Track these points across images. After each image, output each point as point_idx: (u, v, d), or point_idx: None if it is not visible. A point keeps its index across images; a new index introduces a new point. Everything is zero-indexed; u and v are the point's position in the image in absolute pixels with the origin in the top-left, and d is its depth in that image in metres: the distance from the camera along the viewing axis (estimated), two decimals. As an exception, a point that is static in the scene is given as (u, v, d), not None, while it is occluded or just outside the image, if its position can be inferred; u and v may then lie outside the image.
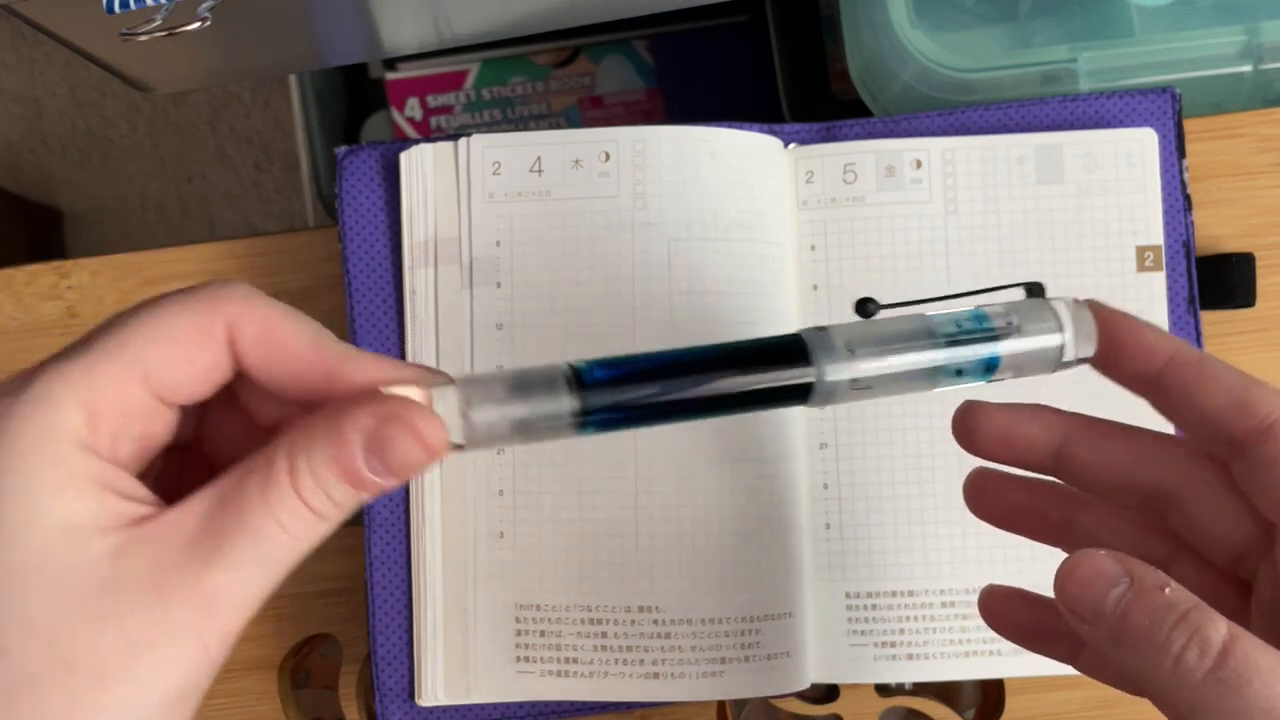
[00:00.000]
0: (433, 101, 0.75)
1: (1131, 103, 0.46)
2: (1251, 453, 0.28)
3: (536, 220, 0.45)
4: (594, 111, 0.75)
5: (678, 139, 0.45)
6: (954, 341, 0.29)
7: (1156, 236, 0.45)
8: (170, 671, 0.24)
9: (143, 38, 0.36)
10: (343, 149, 0.46)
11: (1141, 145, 0.45)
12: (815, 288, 0.46)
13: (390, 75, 0.75)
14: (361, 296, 0.46)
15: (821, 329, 0.29)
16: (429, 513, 0.44)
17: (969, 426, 0.32)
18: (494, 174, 0.45)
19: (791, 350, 0.29)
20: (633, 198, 0.45)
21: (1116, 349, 0.30)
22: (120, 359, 0.25)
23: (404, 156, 0.45)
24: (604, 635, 0.43)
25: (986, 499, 0.33)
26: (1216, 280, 0.46)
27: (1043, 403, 0.32)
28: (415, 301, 0.45)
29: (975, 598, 0.35)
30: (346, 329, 0.46)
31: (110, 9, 0.35)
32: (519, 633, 0.44)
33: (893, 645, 0.44)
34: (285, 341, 0.26)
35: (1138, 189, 0.45)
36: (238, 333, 0.26)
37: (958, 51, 0.47)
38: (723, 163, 0.45)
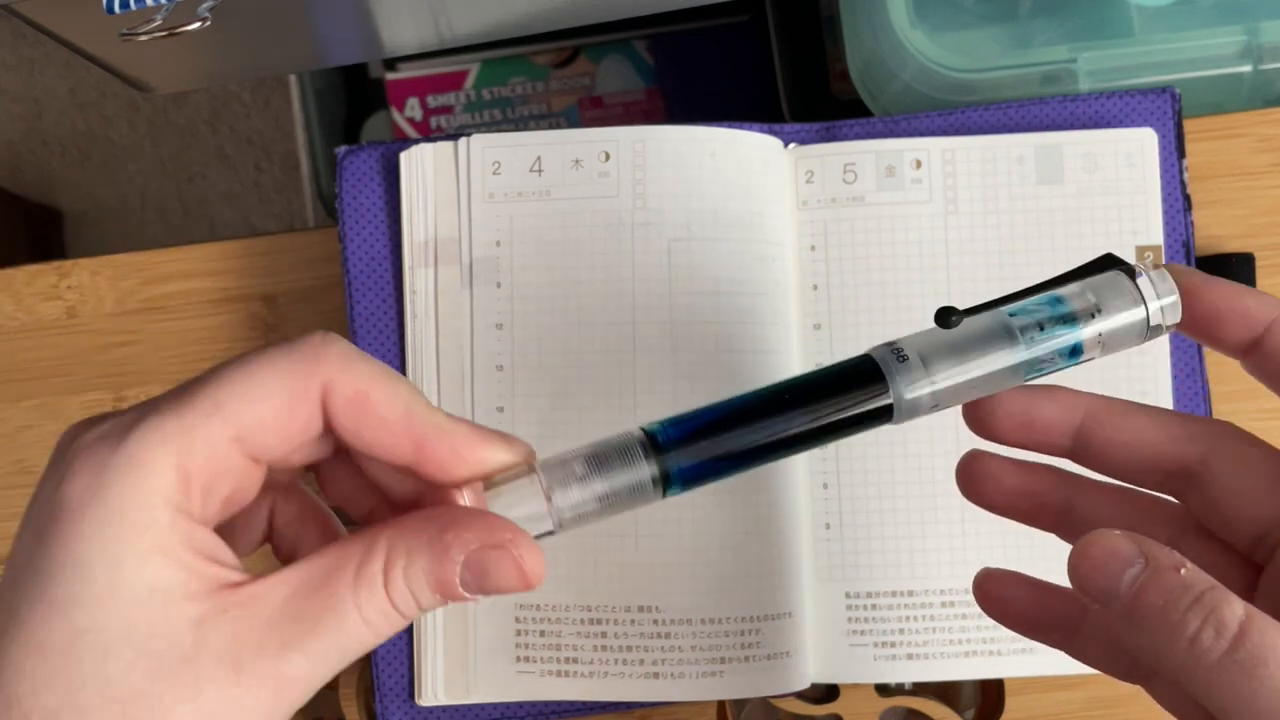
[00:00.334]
0: (433, 101, 0.75)
1: (1131, 103, 0.46)
2: None
3: (536, 220, 0.45)
4: (594, 111, 0.75)
5: (678, 139, 0.45)
6: (1033, 333, 0.28)
7: (1156, 236, 0.45)
8: None
9: (143, 38, 0.36)
10: (343, 149, 0.46)
11: (1141, 145, 0.45)
12: (815, 288, 0.46)
13: (390, 75, 0.75)
14: (361, 296, 0.46)
15: (891, 344, 0.28)
16: (429, 513, 0.44)
17: (986, 410, 0.30)
18: (494, 174, 0.45)
19: (863, 372, 0.28)
20: (633, 198, 0.45)
21: (1213, 317, 0.29)
22: (216, 419, 0.25)
23: (404, 156, 0.45)
24: (604, 635, 0.43)
25: (982, 483, 0.32)
26: (1216, 280, 0.46)
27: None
28: (415, 301, 0.45)
29: (975, 597, 0.35)
30: (347, 329, 0.46)
31: (110, 9, 0.35)
32: (519, 632, 0.44)
33: (893, 645, 0.44)
34: (376, 406, 0.26)
35: (1138, 189, 0.45)
36: (331, 394, 0.26)
37: (958, 51, 0.47)
38: (723, 163, 0.45)
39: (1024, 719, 0.46)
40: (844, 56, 0.52)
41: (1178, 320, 0.29)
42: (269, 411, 0.25)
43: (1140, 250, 0.45)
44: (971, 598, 0.33)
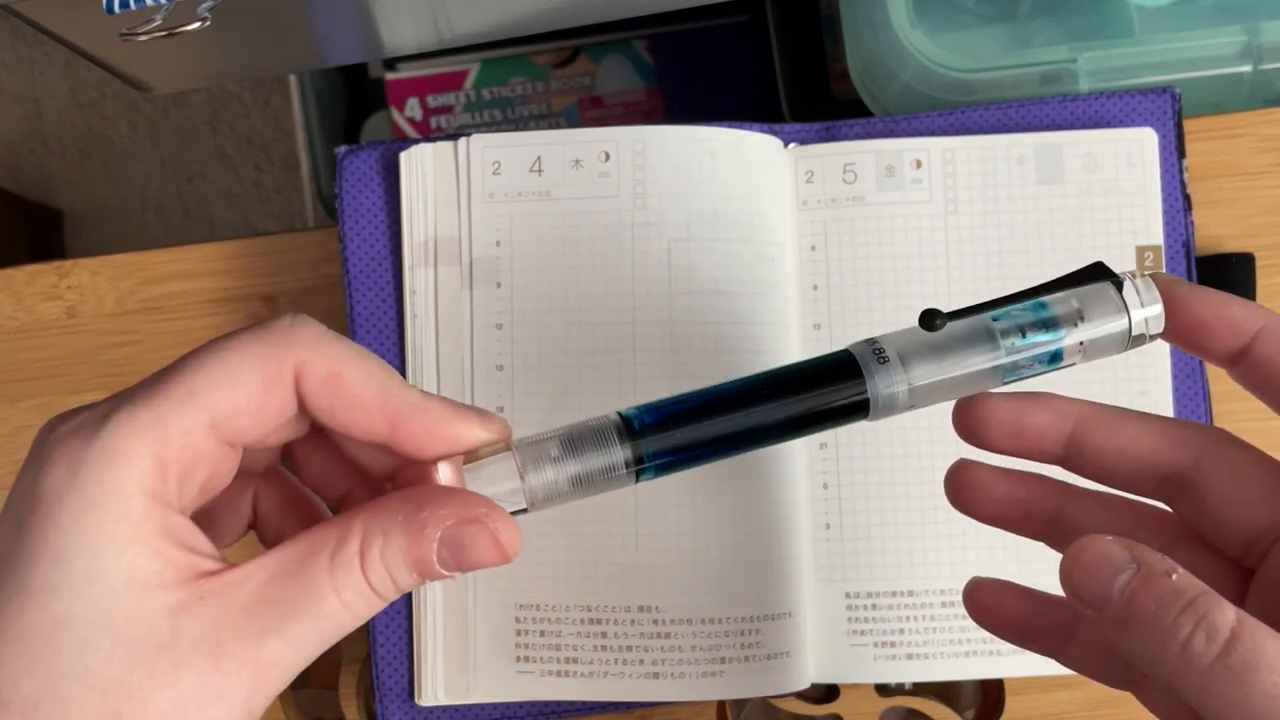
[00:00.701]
0: (433, 101, 0.75)
1: (1131, 103, 0.46)
2: None
3: (536, 220, 0.45)
4: (594, 111, 0.75)
5: (678, 139, 0.45)
6: (1014, 338, 0.28)
7: (1156, 236, 0.45)
8: None
9: (143, 38, 0.36)
10: (343, 149, 0.46)
11: (1141, 145, 0.45)
12: (815, 288, 0.46)
13: (390, 75, 0.75)
14: (361, 296, 0.46)
15: (872, 342, 0.29)
16: (429, 513, 0.44)
17: (977, 418, 0.30)
18: (494, 174, 0.45)
19: (842, 367, 0.28)
20: (633, 198, 0.45)
21: (1199, 326, 0.29)
22: (190, 406, 0.25)
23: (404, 156, 0.45)
24: (604, 635, 0.43)
25: (971, 492, 0.32)
26: (1216, 280, 0.46)
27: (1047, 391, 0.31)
28: (415, 301, 0.45)
29: (975, 597, 0.35)
30: (347, 329, 0.46)
31: (110, 9, 0.35)
32: (519, 632, 0.44)
33: (893, 645, 0.44)
34: (350, 386, 0.26)
35: (1138, 189, 0.45)
36: (304, 376, 0.26)
37: (958, 51, 0.47)
38: (723, 163, 0.45)
39: (1024, 719, 0.46)
40: (844, 56, 0.52)
41: (1161, 330, 0.29)
42: (243, 396, 0.25)
43: (1140, 250, 0.45)
44: (972, 598, 0.33)
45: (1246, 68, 0.46)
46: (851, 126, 0.47)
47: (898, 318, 0.45)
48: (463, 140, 0.45)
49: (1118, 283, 0.29)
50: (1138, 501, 0.31)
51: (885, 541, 0.44)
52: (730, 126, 0.45)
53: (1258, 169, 0.48)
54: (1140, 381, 0.45)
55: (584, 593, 0.44)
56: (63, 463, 0.24)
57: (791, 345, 0.45)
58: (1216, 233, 0.48)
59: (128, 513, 0.24)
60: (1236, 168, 0.48)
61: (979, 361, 0.29)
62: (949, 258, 0.45)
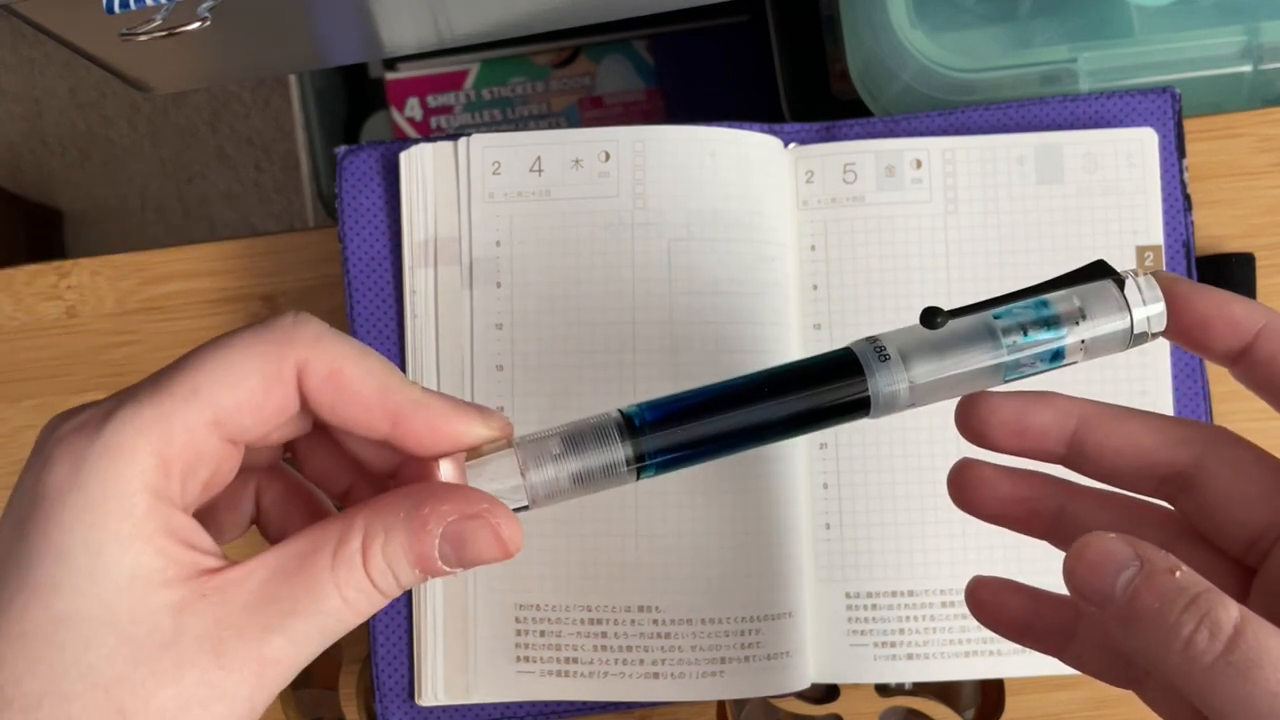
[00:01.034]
0: (433, 101, 0.75)
1: (1131, 103, 0.46)
2: None
3: (536, 220, 0.45)
4: (594, 111, 0.75)
5: (678, 139, 0.45)
6: (1016, 336, 0.28)
7: (1156, 236, 0.45)
8: None
9: (143, 38, 0.36)
10: (343, 149, 0.46)
11: (1141, 145, 0.45)
12: (815, 288, 0.46)
13: (390, 75, 0.75)
14: (361, 296, 0.46)
15: (873, 340, 0.29)
16: (429, 513, 0.44)
17: (980, 418, 0.30)
18: (494, 174, 0.45)
19: (843, 365, 0.28)
20: (633, 198, 0.45)
21: (1201, 325, 0.29)
22: (193, 404, 0.25)
23: (404, 156, 0.45)
24: (604, 635, 0.43)
25: (974, 491, 0.32)
26: (1216, 280, 0.46)
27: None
28: (415, 301, 0.45)
29: (975, 597, 0.35)
30: (347, 329, 0.46)
31: (110, 9, 0.35)
32: (519, 632, 0.44)
33: (893, 645, 0.44)
34: (351, 383, 0.26)
35: (1138, 189, 0.45)
36: (306, 373, 0.26)
37: (958, 51, 0.47)
38: (723, 163, 0.45)
39: (1024, 719, 0.46)
40: (844, 56, 0.52)
41: (1163, 329, 0.29)
42: (245, 394, 0.25)
43: (1141, 250, 0.45)
44: (972, 598, 0.33)
45: (1246, 68, 0.46)
46: (851, 126, 0.47)
47: (898, 317, 0.45)
48: (463, 140, 0.45)
49: (1119, 281, 0.29)
50: (1140, 500, 0.31)
51: (885, 541, 0.44)
52: (730, 126, 0.45)
53: (1258, 169, 0.48)
54: (1140, 381, 0.45)
55: (584, 593, 0.44)
56: (65, 460, 0.24)
57: (791, 345, 0.45)
58: (1216, 233, 0.48)
59: (131, 510, 0.24)
60: (1236, 168, 0.48)
61: (980, 359, 0.29)
62: (949, 258, 0.45)
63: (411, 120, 0.75)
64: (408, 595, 0.44)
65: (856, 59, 0.51)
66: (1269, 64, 0.46)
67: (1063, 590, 0.27)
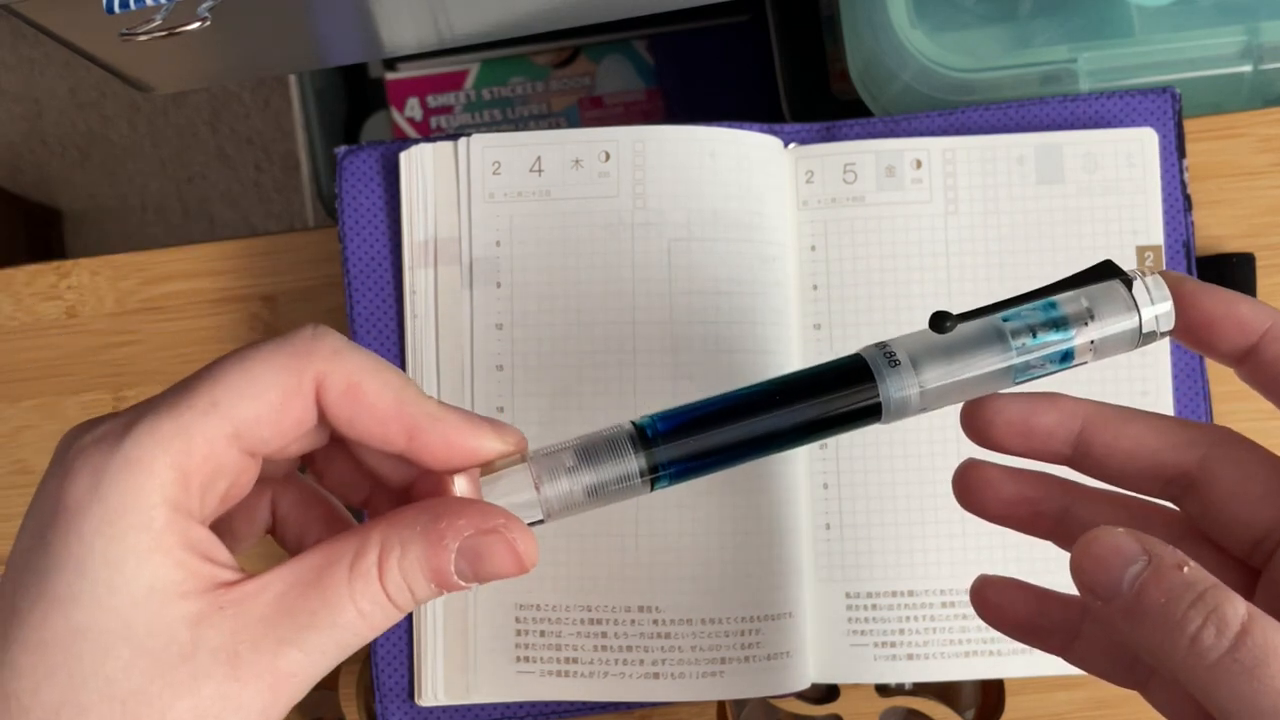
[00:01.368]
0: (433, 101, 0.75)
1: (1131, 103, 0.46)
2: None
3: (536, 220, 0.45)
4: (594, 111, 0.75)
5: (678, 139, 0.45)
6: (1025, 339, 0.28)
7: (1156, 236, 0.45)
8: None
9: (143, 38, 0.36)
10: (343, 149, 0.46)
11: (1141, 145, 0.45)
12: (815, 288, 0.46)
13: (390, 75, 0.75)
14: (361, 296, 0.46)
15: (882, 345, 0.29)
16: (429, 513, 0.44)
17: (985, 419, 0.30)
18: (494, 174, 0.45)
19: (853, 371, 0.28)
20: (633, 198, 0.45)
21: (1207, 324, 0.29)
22: (213, 417, 0.25)
23: (404, 156, 0.45)
24: (604, 635, 0.43)
25: (979, 492, 0.32)
26: (1216, 280, 0.46)
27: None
28: (415, 301, 0.45)
29: (975, 597, 0.35)
30: (347, 329, 0.46)
31: (110, 9, 0.35)
32: (519, 633, 0.44)
33: (893, 645, 0.44)
34: (369, 397, 0.26)
35: (1138, 189, 0.45)
36: (324, 386, 0.26)
37: (958, 51, 0.47)
38: (723, 163, 0.45)
39: (1024, 719, 0.46)
40: (844, 56, 0.52)
41: (1171, 328, 0.29)
42: (265, 407, 0.26)
43: (1141, 250, 0.45)
44: (972, 598, 0.33)
45: (1246, 68, 0.46)
46: (851, 126, 0.47)
47: (898, 317, 0.45)
48: (463, 140, 0.45)
49: (1127, 280, 0.29)
50: (1145, 500, 0.31)
51: (885, 541, 0.44)
52: (730, 126, 0.45)
53: (1258, 169, 0.48)
54: (1141, 381, 0.45)
55: (584, 593, 0.44)
56: (86, 472, 0.24)
57: (792, 345, 0.45)
58: (1216, 233, 0.48)
59: (150, 523, 0.24)
60: (1236, 168, 0.48)
61: (990, 362, 0.29)
62: (949, 258, 0.45)
63: (411, 120, 0.75)
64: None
65: (856, 59, 0.51)
66: (1269, 64, 0.46)
67: (1065, 589, 0.27)
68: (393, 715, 0.45)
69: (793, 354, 0.45)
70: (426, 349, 0.45)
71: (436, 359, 0.45)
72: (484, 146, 0.45)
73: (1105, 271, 0.29)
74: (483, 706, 0.44)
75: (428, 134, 0.75)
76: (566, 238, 0.45)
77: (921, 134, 0.46)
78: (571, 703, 0.44)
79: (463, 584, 0.26)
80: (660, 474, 0.28)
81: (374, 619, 0.25)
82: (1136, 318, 0.29)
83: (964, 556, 0.44)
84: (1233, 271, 0.47)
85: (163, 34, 0.36)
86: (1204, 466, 0.29)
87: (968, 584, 0.44)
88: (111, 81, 1.14)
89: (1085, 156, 0.45)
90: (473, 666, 0.44)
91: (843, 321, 0.45)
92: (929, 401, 0.29)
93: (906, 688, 0.46)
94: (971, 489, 0.32)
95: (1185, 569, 0.25)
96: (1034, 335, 0.29)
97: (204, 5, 0.36)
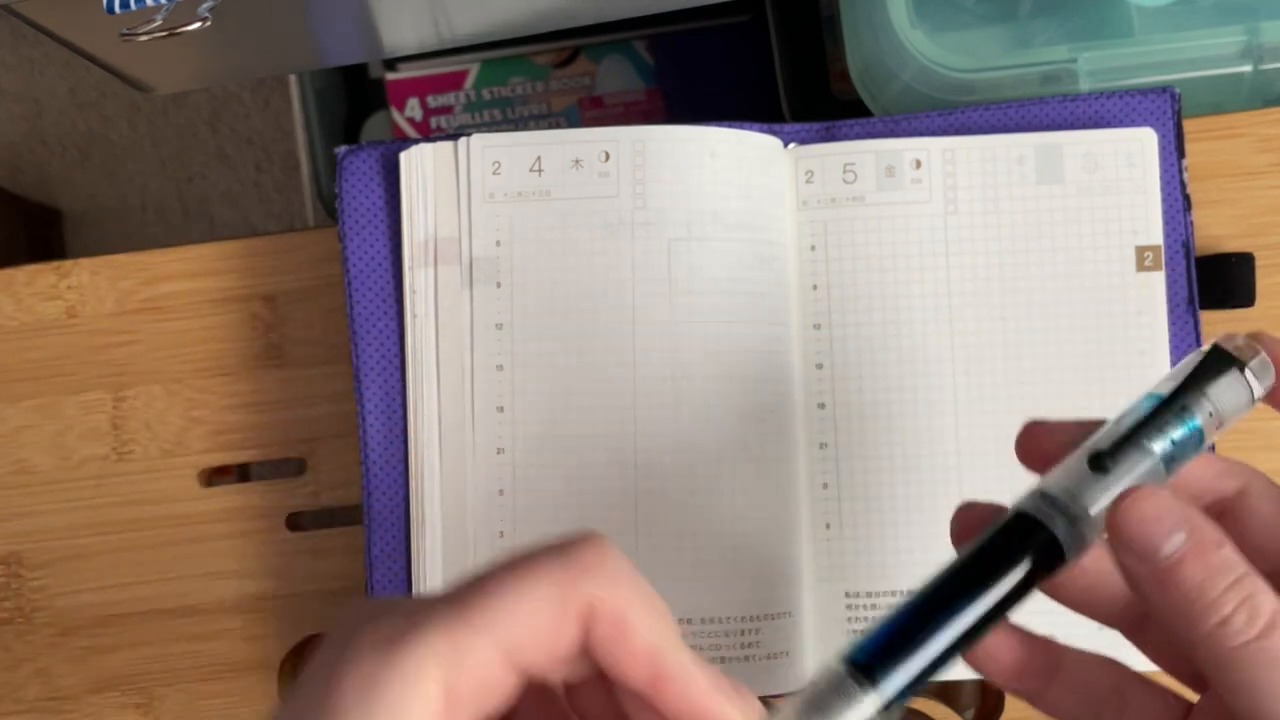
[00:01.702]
0: (433, 101, 0.75)
1: (1131, 103, 0.46)
2: None
3: (536, 220, 0.45)
4: (594, 111, 0.75)
5: (678, 139, 0.45)
6: (1163, 444, 0.29)
7: (1156, 236, 0.45)
8: None
9: (143, 38, 0.36)
10: (343, 149, 0.46)
11: (1141, 145, 0.45)
12: (815, 288, 0.46)
13: (390, 75, 0.75)
14: (361, 296, 0.46)
15: (1044, 494, 0.28)
16: (429, 512, 0.44)
17: (1033, 440, 0.31)
18: (494, 174, 0.45)
19: (1028, 532, 0.28)
20: (633, 198, 0.45)
21: None
22: (487, 636, 0.24)
23: (404, 156, 0.45)
24: (604, 635, 0.43)
25: (1036, 443, 0.32)
26: (1216, 280, 0.46)
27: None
28: (415, 301, 0.45)
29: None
30: (347, 329, 0.46)
31: (110, 9, 0.35)
32: (519, 633, 0.44)
33: (893, 645, 0.44)
34: (631, 633, 0.25)
35: (1137, 189, 0.45)
36: (595, 615, 0.25)
37: (958, 51, 0.47)
38: (723, 163, 0.45)
39: (1024, 719, 0.46)
40: (844, 56, 0.52)
41: (1273, 380, 0.30)
42: (538, 630, 0.25)
43: (1140, 250, 0.45)
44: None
45: (1246, 68, 0.46)
46: (851, 126, 0.47)
47: (897, 317, 0.45)
48: (463, 140, 0.45)
49: (1242, 367, 0.30)
50: None
51: (885, 541, 0.44)
52: (730, 126, 0.45)
53: (1258, 169, 0.48)
54: (1141, 382, 0.45)
55: (584, 593, 0.43)
56: (359, 678, 0.24)
57: (791, 345, 0.45)
58: (1216, 233, 0.48)
59: None
60: (1236, 168, 0.48)
61: (1141, 476, 0.29)
62: (949, 258, 0.45)
63: (411, 120, 0.75)
64: (407, 589, 0.44)
65: (856, 59, 0.51)
66: (1269, 64, 0.46)
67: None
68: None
69: (793, 354, 0.45)
70: (426, 349, 0.45)
71: (436, 359, 0.45)
72: (484, 146, 0.45)
73: (1218, 360, 0.30)
74: (483, 706, 0.44)
75: (428, 134, 0.75)
76: (566, 238, 0.45)
77: (921, 134, 0.46)
78: (571, 702, 0.44)
79: None
80: (893, 701, 0.27)
81: None
82: (1250, 396, 0.30)
83: (964, 556, 0.44)
84: (1232, 271, 0.47)
85: (163, 34, 0.36)
86: (1241, 496, 0.30)
87: (968, 584, 0.44)
88: (111, 81, 1.14)
89: (1085, 156, 0.45)
90: (473, 666, 0.44)
91: (842, 321, 0.45)
92: (1098, 524, 0.29)
93: (906, 688, 0.46)
94: (1031, 442, 0.32)
95: (1224, 549, 0.26)
96: (1171, 441, 0.29)
97: (204, 5, 0.36)
